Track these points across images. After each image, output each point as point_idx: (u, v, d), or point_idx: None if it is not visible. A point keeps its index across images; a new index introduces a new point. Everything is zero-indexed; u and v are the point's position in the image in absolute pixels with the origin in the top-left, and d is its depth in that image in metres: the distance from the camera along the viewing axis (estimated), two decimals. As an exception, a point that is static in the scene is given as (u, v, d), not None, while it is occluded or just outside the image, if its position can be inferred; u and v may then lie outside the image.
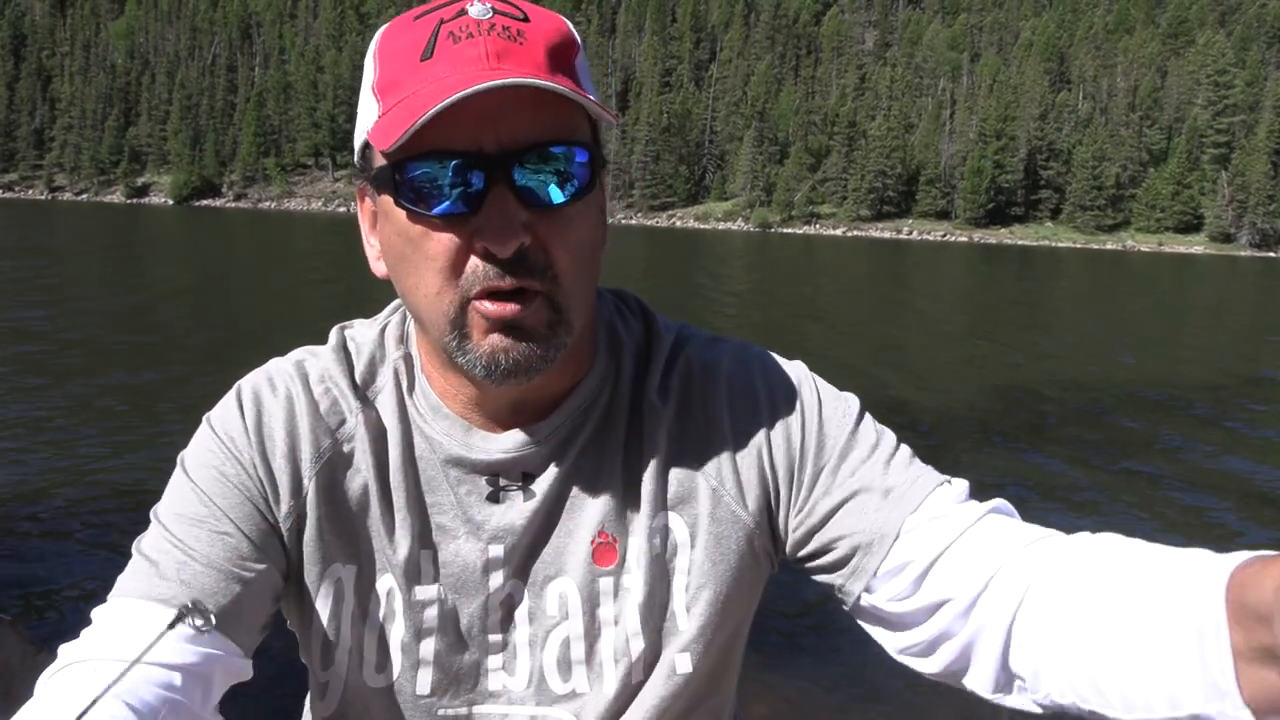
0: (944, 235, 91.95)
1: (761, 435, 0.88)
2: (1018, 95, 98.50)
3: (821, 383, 0.92)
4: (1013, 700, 0.80)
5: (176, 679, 0.77)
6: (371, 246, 0.86)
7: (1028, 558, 0.78)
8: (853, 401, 0.92)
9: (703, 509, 0.88)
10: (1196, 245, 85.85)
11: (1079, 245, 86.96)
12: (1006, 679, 0.80)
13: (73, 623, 4.82)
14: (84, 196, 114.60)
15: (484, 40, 0.74)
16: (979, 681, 0.81)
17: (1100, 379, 14.26)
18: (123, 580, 0.83)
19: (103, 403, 10.00)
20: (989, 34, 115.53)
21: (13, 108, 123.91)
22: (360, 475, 0.87)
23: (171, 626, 0.74)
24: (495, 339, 0.78)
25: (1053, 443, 10.02)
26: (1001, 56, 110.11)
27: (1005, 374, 14.51)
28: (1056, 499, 7.97)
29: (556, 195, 0.76)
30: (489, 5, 0.77)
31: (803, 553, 0.89)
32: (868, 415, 0.91)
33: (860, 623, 0.88)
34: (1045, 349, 17.71)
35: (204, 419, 0.89)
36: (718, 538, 0.88)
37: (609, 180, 0.89)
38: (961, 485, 0.87)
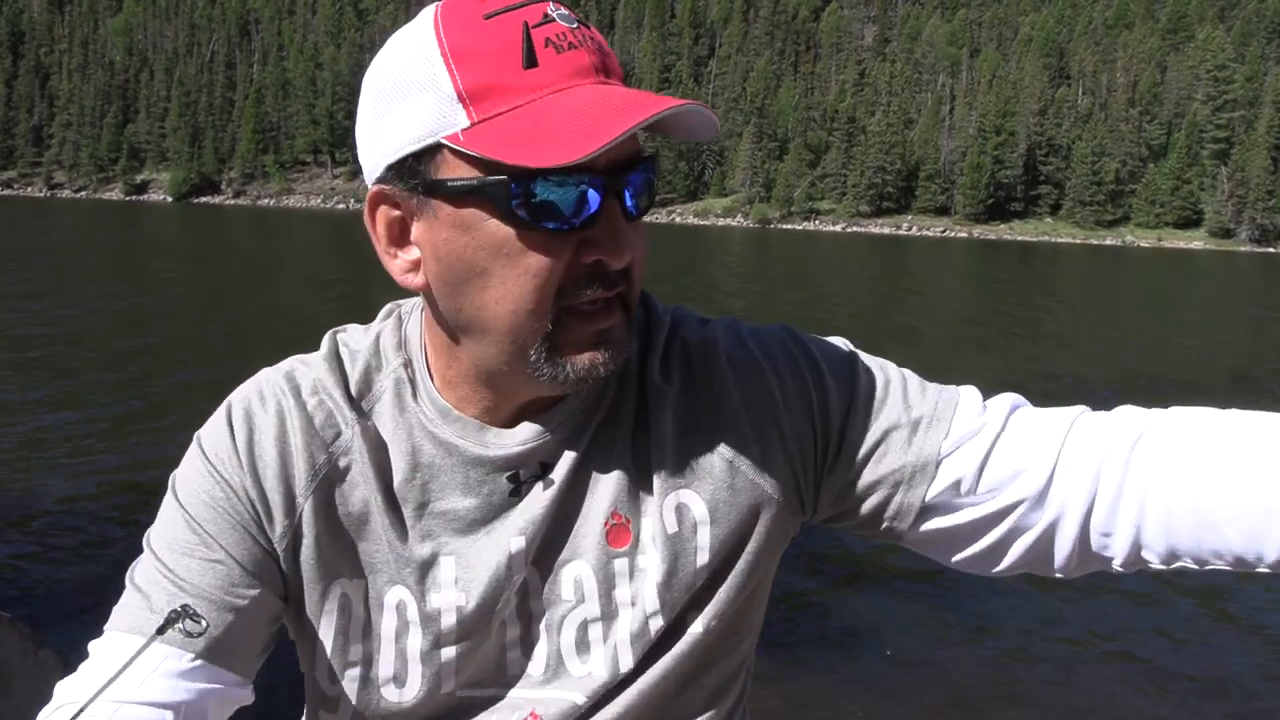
0: (944, 231, 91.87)
1: (772, 402, 0.88)
2: (1017, 90, 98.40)
3: (811, 338, 0.92)
4: (1094, 564, 0.84)
5: (169, 717, 0.77)
6: (395, 257, 0.82)
7: (1087, 434, 0.82)
8: (845, 346, 0.92)
9: (720, 483, 0.87)
10: (1196, 241, 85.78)
11: (1079, 240, 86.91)
12: (1088, 549, 0.83)
13: (71, 620, 4.86)
14: (83, 194, 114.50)
15: (586, 52, 0.75)
16: (1059, 560, 0.84)
17: (1098, 375, 14.25)
18: (117, 612, 0.82)
19: (101, 402, 10.00)
20: (988, 29, 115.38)
21: (11, 105, 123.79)
22: (360, 489, 0.86)
23: (160, 632, 0.73)
24: (593, 352, 0.78)
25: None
26: (1001, 52, 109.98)
27: (1004, 369, 14.50)
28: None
29: (640, 207, 0.79)
30: (560, 9, 0.76)
31: (842, 507, 0.90)
32: (862, 354, 0.92)
33: (911, 548, 0.90)
34: (1043, 345, 17.71)
35: (195, 438, 0.88)
36: (739, 509, 0.87)
37: None
38: (974, 392, 0.89)
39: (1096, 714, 4.47)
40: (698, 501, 0.88)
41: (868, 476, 0.87)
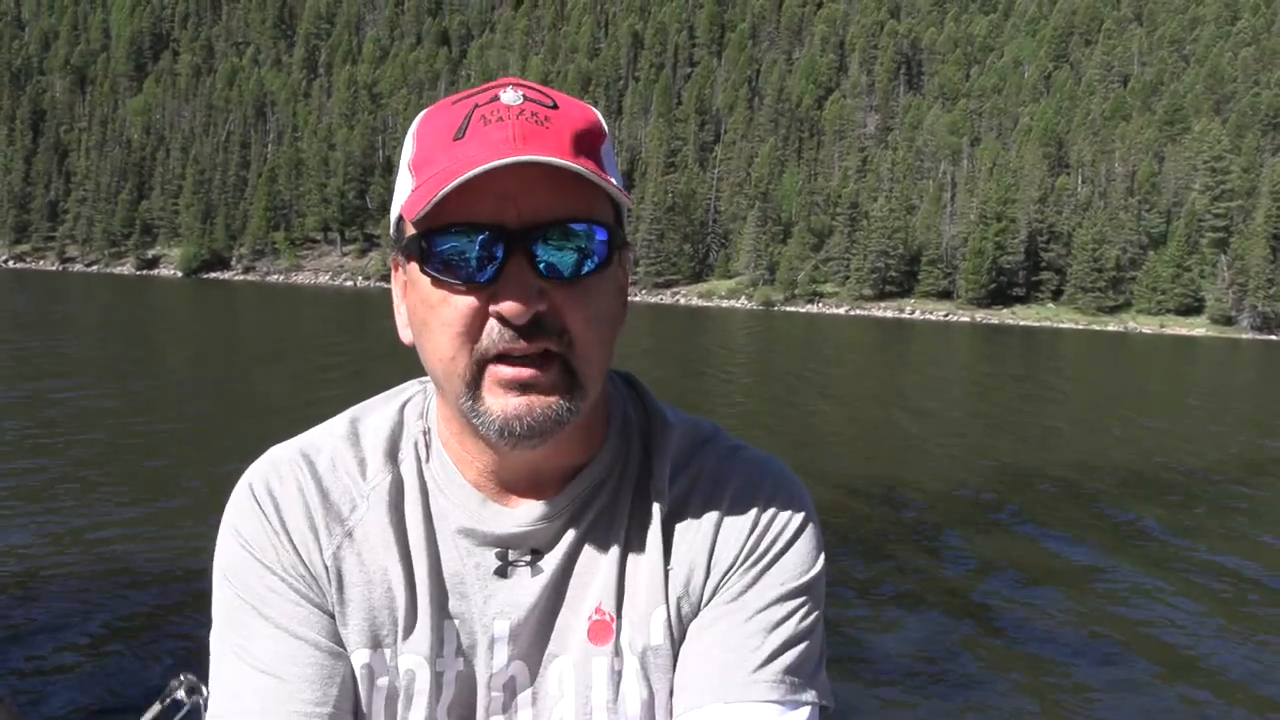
0: (946, 315, 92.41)
1: (728, 552, 0.89)
2: (1017, 179, 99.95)
3: (812, 533, 0.92)
4: None
5: None
6: (400, 315, 0.88)
7: None
8: (816, 567, 0.91)
9: (694, 607, 0.88)
10: (1198, 328, 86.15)
11: (1081, 326, 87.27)
12: None
13: (60, 700, 4.76)
14: (94, 268, 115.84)
15: (513, 124, 0.78)
16: None
17: (1098, 461, 14.18)
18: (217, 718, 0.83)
19: (100, 478, 9.95)
20: (988, 119, 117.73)
21: (29, 181, 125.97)
22: (378, 556, 0.87)
23: (164, 702, 0.65)
24: (510, 402, 0.80)
25: (1047, 523, 9.94)
26: (1001, 141, 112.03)
27: (1003, 454, 14.44)
28: (1049, 580, 7.89)
29: (573, 268, 0.80)
30: (521, 93, 0.81)
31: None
32: (817, 589, 0.90)
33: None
34: (1044, 429, 17.66)
35: (226, 526, 0.89)
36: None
37: (631, 263, 0.91)
38: (798, 716, 0.85)
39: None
40: (682, 619, 0.88)
41: (688, 644, 0.88)
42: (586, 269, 0.81)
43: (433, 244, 0.79)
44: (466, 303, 0.79)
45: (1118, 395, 26.48)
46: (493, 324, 0.79)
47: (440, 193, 0.75)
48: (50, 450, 11.05)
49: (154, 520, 8.28)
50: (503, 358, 0.79)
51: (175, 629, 5.61)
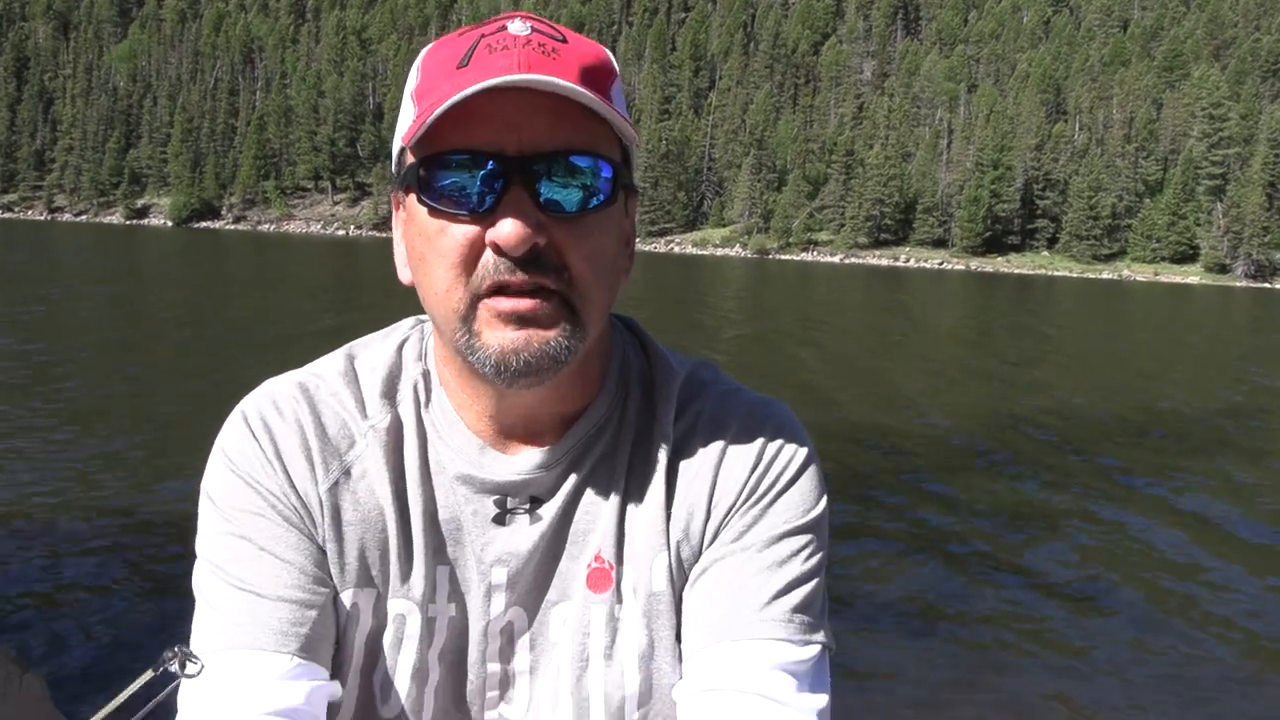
0: (941, 263, 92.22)
1: (729, 493, 0.87)
2: (1014, 126, 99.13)
3: (815, 472, 0.90)
4: None
5: None
6: (400, 253, 0.86)
7: None
8: (819, 507, 0.89)
9: (695, 551, 0.88)
10: (1192, 275, 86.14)
11: (1075, 274, 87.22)
12: None
13: (56, 647, 4.78)
14: (83, 217, 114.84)
15: (519, 52, 0.76)
16: None
17: (1089, 406, 14.25)
18: (206, 635, 0.82)
19: (92, 423, 9.95)
20: (986, 65, 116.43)
21: (14, 129, 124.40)
22: (374, 496, 0.86)
23: (157, 670, 0.71)
24: (507, 335, 0.78)
25: (1038, 467, 10.00)
26: (998, 88, 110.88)
27: (994, 399, 14.49)
28: (1040, 522, 7.95)
29: (575, 204, 0.77)
30: (529, 25, 0.79)
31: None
32: (821, 529, 0.89)
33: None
34: (1036, 376, 17.72)
35: (217, 450, 0.87)
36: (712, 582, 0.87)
37: (637, 210, 0.89)
38: (807, 654, 0.84)
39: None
40: (679, 566, 0.87)
41: (693, 590, 0.87)
42: (590, 205, 0.78)
43: (431, 172, 0.77)
44: (463, 233, 0.77)
45: (1110, 342, 26.55)
46: (489, 256, 0.77)
47: (437, 111, 0.74)
48: (44, 399, 11.03)
49: (151, 467, 8.28)
50: (500, 291, 0.77)
51: (170, 583, 5.63)
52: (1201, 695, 5.05)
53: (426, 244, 0.79)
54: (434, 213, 0.78)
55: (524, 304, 0.77)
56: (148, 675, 0.68)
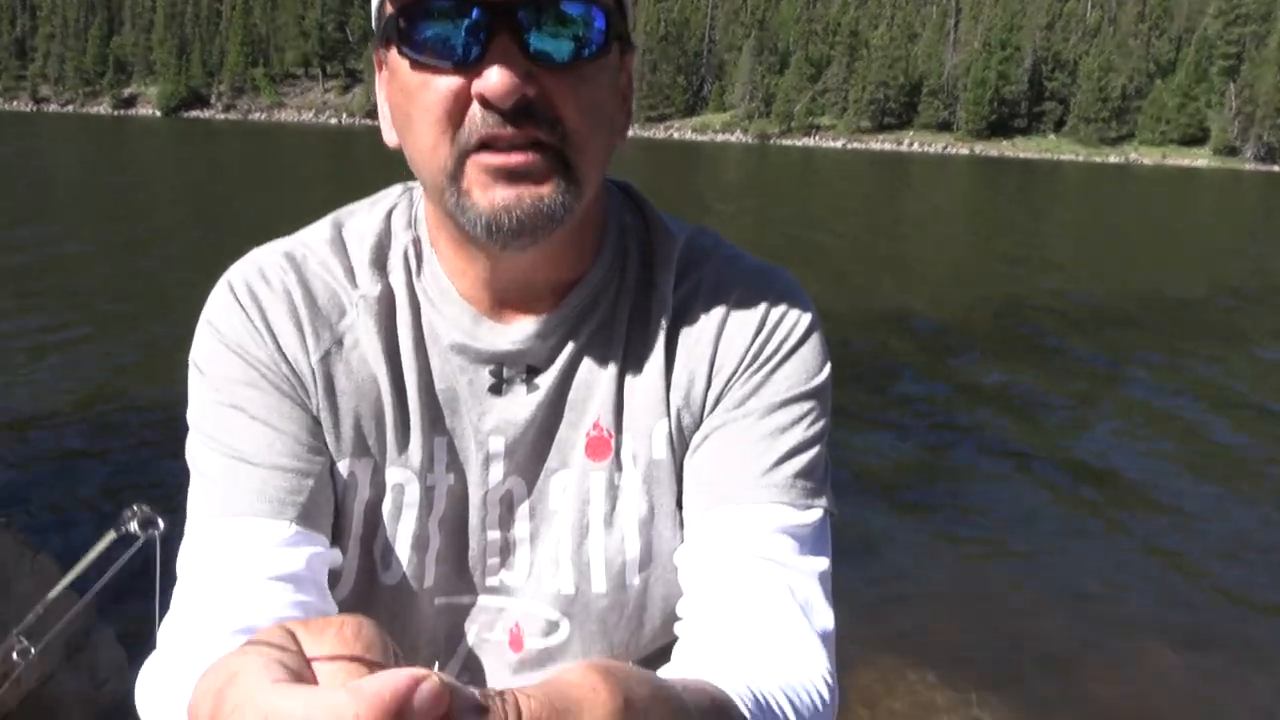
0: (945, 148, 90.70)
1: (731, 359, 0.87)
2: (1024, 4, 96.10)
3: (818, 339, 0.89)
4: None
5: (300, 589, 0.78)
6: (385, 116, 0.83)
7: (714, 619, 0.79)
8: (823, 374, 0.88)
9: (696, 418, 0.87)
10: (1200, 158, 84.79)
11: (1081, 159, 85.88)
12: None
13: (65, 525, 4.82)
14: (69, 108, 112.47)
15: None
16: None
17: (1095, 291, 14.16)
18: (202, 503, 0.82)
19: (88, 307, 9.91)
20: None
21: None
22: (367, 366, 0.85)
23: (119, 532, 0.67)
24: (498, 193, 0.74)
25: (1039, 351, 9.97)
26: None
27: (996, 284, 14.38)
28: (1039, 405, 7.96)
29: (566, 54, 0.74)
30: None
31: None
32: (824, 397, 0.88)
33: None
34: (1040, 260, 17.58)
35: (203, 322, 0.85)
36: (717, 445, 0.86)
37: (633, 72, 0.85)
38: (810, 518, 0.84)
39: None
40: (679, 433, 0.87)
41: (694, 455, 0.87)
42: (584, 55, 0.75)
43: (411, 23, 0.74)
44: (447, 85, 0.73)
45: (1116, 226, 26.27)
46: (476, 109, 0.73)
47: None
48: (30, 292, 10.94)
49: (142, 346, 8.26)
50: (488, 146, 0.74)
51: (146, 463, 5.64)
52: (1214, 574, 5.07)
53: (410, 100, 0.76)
54: (416, 66, 0.74)
55: (515, 158, 0.74)
56: (110, 537, 0.66)
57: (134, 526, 0.69)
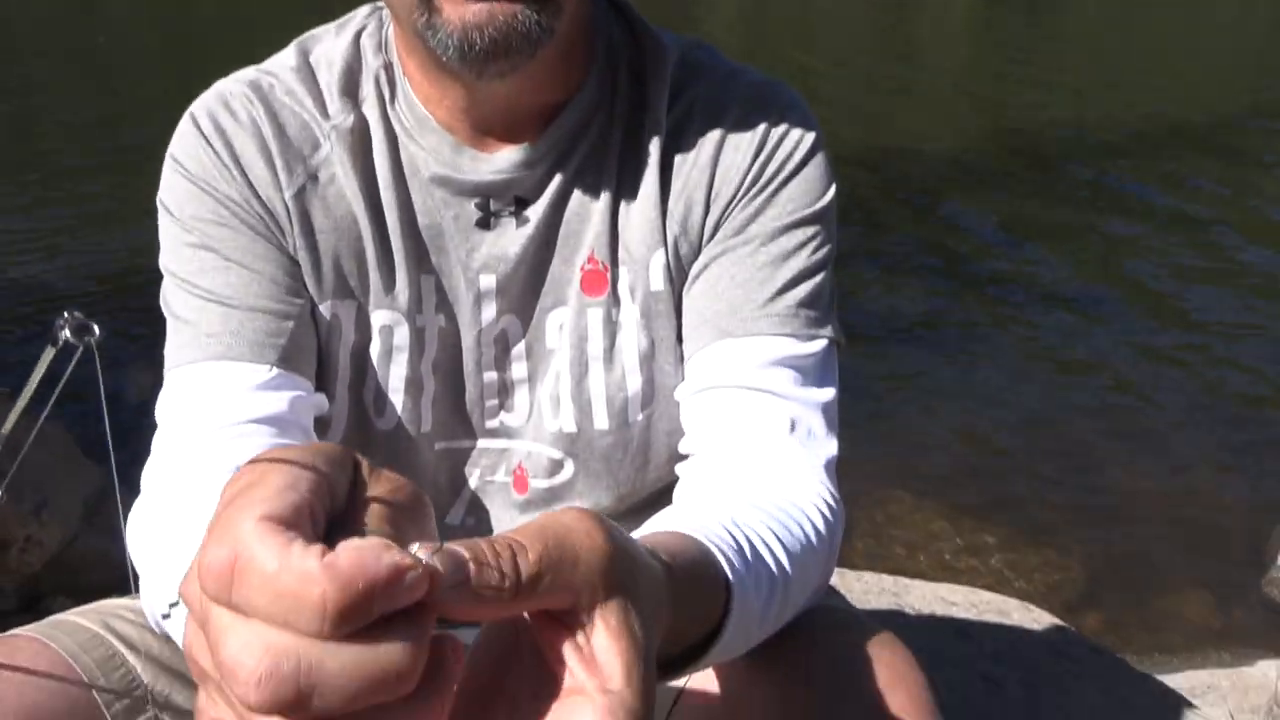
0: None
1: (730, 182, 0.82)
2: None
3: (822, 159, 0.85)
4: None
5: (284, 432, 0.76)
6: None
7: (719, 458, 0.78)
8: (827, 196, 0.84)
9: (694, 247, 0.84)
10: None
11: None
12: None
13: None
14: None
15: None
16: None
17: (1108, 112, 13.58)
18: (177, 350, 0.80)
19: (60, 122, 9.41)
20: None
21: None
22: (345, 203, 0.82)
23: (58, 345, 0.65)
24: (468, 9, 0.69)
25: (1051, 178, 9.50)
26: None
27: (1008, 105, 13.69)
28: (1050, 234, 7.57)
29: None
30: None
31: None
32: (828, 220, 0.84)
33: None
34: (1051, 80, 16.86)
35: (169, 159, 0.82)
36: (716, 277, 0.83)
37: None
38: (813, 348, 0.81)
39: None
40: (677, 263, 0.84)
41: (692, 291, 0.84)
42: None
43: None
44: None
45: (1131, 42, 25.25)
46: None
47: None
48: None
49: (102, 169, 7.77)
50: None
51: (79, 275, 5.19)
52: (1250, 390, 4.90)
53: None
54: None
55: None
56: (50, 352, 0.67)
57: (68, 334, 0.68)
